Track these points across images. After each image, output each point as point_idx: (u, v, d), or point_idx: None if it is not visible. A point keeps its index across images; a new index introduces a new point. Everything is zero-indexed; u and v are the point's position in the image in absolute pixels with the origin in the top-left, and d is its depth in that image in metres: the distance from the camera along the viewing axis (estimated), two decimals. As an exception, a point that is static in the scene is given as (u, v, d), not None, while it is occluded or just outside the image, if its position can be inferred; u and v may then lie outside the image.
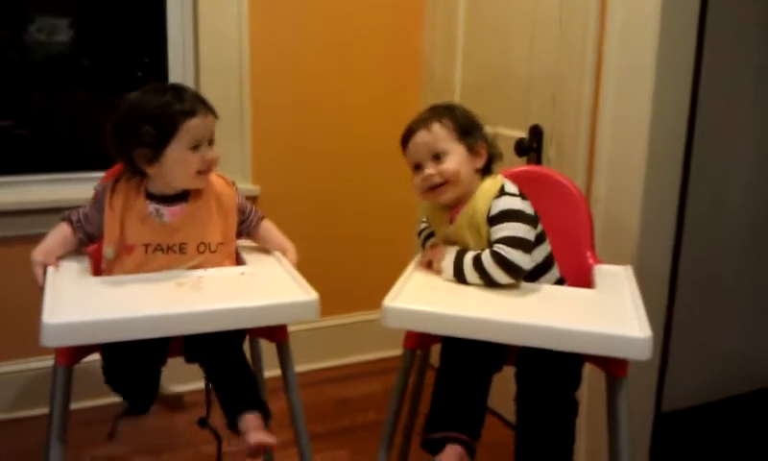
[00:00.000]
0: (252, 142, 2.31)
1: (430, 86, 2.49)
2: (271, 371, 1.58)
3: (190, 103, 1.37)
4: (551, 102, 1.99)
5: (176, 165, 1.38)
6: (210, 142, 1.41)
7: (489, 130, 1.48)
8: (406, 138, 1.45)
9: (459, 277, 1.36)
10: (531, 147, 2.04)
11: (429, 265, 1.47)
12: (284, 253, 1.53)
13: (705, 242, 2.16)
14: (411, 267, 1.46)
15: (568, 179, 1.64)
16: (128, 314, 1.18)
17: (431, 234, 1.54)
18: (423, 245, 1.55)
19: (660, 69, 1.70)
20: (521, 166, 1.86)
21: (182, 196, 1.44)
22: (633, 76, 1.75)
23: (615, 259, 1.60)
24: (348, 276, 2.52)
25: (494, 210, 1.37)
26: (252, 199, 2.30)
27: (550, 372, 1.33)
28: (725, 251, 2.25)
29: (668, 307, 1.88)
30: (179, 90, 1.40)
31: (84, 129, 2.35)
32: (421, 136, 1.41)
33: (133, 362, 1.33)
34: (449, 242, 1.44)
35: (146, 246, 1.40)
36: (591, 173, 1.89)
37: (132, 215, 1.41)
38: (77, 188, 2.15)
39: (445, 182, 1.40)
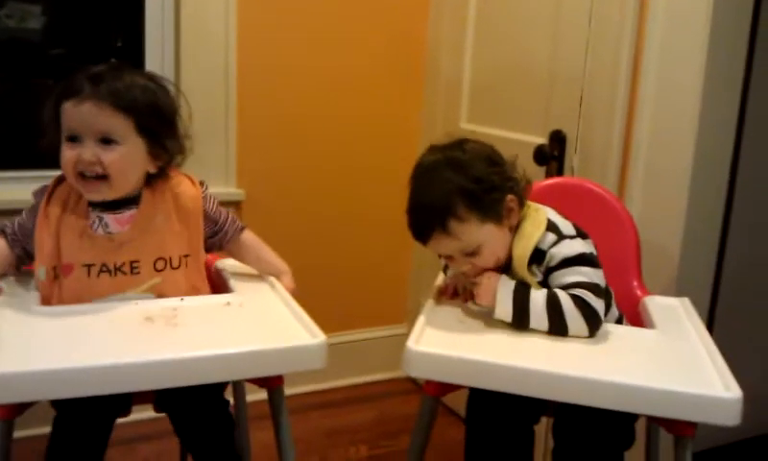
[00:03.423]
0: (237, 142, 2.10)
1: (435, 86, 2.28)
2: (253, 395, 1.35)
3: (79, 82, 1.10)
4: (577, 105, 1.77)
5: (61, 159, 1.13)
6: (106, 140, 1.10)
7: (509, 161, 1.18)
8: (421, 237, 1.16)
9: (520, 315, 1.10)
10: (552, 155, 1.82)
11: (454, 294, 1.24)
12: (278, 277, 1.27)
13: (744, 265, 1.96)
14: (433, 297, 1.23)
15: (612, 193, 1.42)
16: (84, 363, 0.91)
17: None
18: (445, 270, 1.31)
19: (709, 72, 1.50)
20: (555, 178, 1.64)
21: (132, 200, 1.18)
22: (677, 77, 1.55)
23: (649, 287, 1.39)
24: (337, 290, 2.31)
25: (556, 259, 1.13)
26: (236, 204, 2.11)
27: (598, 428, 1.13)
28: (764, 274, 2.05)
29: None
30: (96, 69, 1.13)
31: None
32: (441, 241, 1.13)
33: (89, 413, 1.07)
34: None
35: (88, 267, 1.13)
36: (624, 187, 1.68)
37: (69, 226, 1.14)
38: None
39: (489, 269, 1.16)
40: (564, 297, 1.09)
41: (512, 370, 0.98)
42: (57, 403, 1.09)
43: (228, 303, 1.16)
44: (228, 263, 1.34)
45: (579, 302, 1.09)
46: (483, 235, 1.13)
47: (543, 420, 1.25)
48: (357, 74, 2.23)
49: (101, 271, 1.13)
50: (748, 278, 2.00)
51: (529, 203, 1.20)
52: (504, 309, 1.10)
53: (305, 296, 1.21)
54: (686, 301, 1.30)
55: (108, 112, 1.09)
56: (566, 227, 1.17)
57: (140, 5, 1.99)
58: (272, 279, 1.27)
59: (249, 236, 1.31)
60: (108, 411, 1.10)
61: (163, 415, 1.16)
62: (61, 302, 1.12)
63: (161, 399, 1.14)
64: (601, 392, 0.97)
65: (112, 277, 1.13)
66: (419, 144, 2.36)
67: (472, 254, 1.14)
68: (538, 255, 1.15)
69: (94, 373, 0.91)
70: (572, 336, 1.09)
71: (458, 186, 1.11)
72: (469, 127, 2.14)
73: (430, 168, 1.16)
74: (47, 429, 1.11)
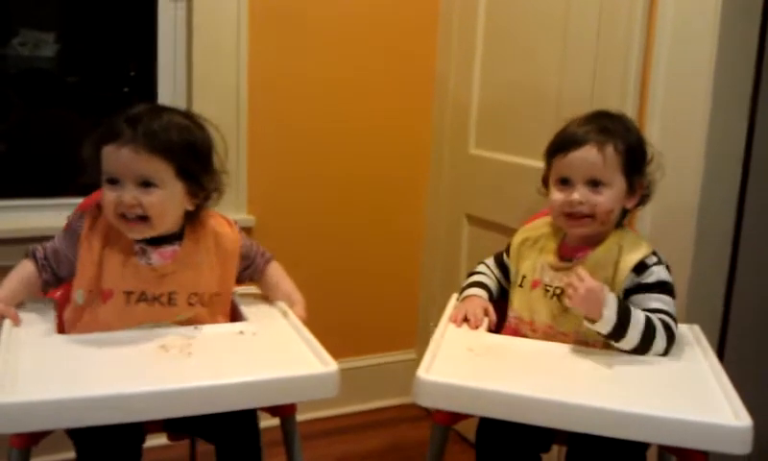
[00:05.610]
0: (247, 169, 2.11)
1: (443, 109, 2.29)
2: (264, 421, 1.33)
3: (117, 126, 1.14)
4: (585, 130, 1.78)
5: (102, 200, 1.17)
6: (145, 183, 1.14)
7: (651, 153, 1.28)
8: (567, 145, 1.22)
9: (620, 327, 1.12)
10: (561, 180, 1.83)
11: (465, 321, 1.25)
12: (290, 305, 1.29)
13: (754, 291, 1.94)
14: (443, 324, 1.23)
15: (620, 220, 1.42)
16: (95, 392, 0.93)
17: (479, 285, 1.32)
18: (460, 294, 1.32)
19: (716, 98, 1.51)
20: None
21: (176, 236, 1.22)
22: (684, 102, 1.56)
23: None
24: (346, 315, 2.31)
25: (653, 277, 1.19)
26: (247, 230, 2.09)
27: (609, 456, 1.13)
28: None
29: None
30: (134, 111, 1.17)
31: (62, 149, 2.11)
32: (589, 154, 1.20)
33: (109, 444, 1.08)
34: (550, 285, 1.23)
35: (127, 294, 1.16)
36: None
37: (113, 254, 1.18)
38: (48, 216, 1.88)
39: (591, 217, 1.20)
40: (657, 322, 1.14)
41: (522, 399, 0.98)
42: (73, 433, 1.10)
43: (242, 332, 1.18)
44: (239, 291, 1.35)
45: (667, 328, 1.15)
46: (616, 180, 1.21)
47: (555, 448, 1.25)
48: (369, 100, 2.24)
49: (139, 299, 1.16)
50: (759, 304, 1.99)
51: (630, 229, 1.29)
52: (609, 316, 1.11)
53: (315, 321, 1.22)
54: (696, 328, 1.30)
55: (147, 157, 1.13)
56: (663, 257, 1.24)
57: (153, 32, 2.02)
58: (284, 306, 1.29)
59: (274, 267, 1.36)
60: (124, 440, 1.10)
61: (173, 443, 1.18)
62: (93, 325, 1.15)
63: (173, 425, 1.15)
64: (611, 421, 0.97)
65: (150, 305, 1.17)
66: (428, 168, 2.38)
67: (597, 185, 1.20)
68: (640, 267, 1.20)
69: (105, 402, 0.92)
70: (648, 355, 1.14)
71: (628, 130, 1.25)
72: (478, 152, 2.16)
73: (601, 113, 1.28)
74: (62, 456, 1.12)
